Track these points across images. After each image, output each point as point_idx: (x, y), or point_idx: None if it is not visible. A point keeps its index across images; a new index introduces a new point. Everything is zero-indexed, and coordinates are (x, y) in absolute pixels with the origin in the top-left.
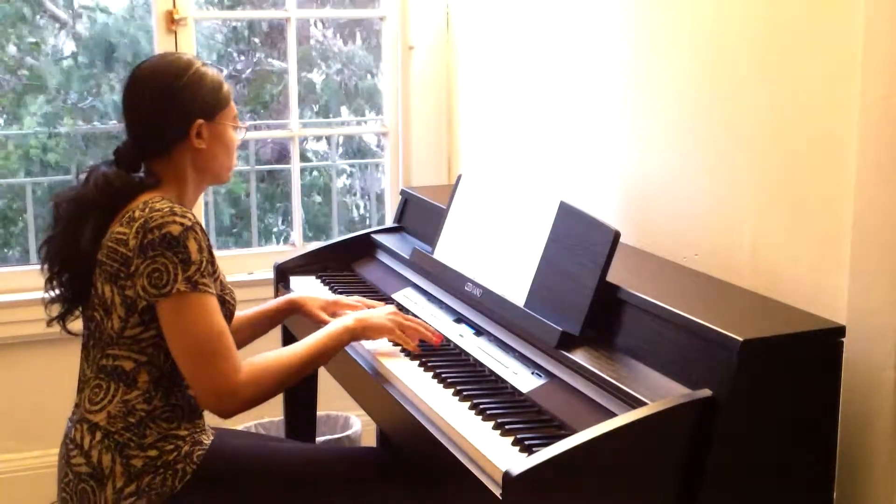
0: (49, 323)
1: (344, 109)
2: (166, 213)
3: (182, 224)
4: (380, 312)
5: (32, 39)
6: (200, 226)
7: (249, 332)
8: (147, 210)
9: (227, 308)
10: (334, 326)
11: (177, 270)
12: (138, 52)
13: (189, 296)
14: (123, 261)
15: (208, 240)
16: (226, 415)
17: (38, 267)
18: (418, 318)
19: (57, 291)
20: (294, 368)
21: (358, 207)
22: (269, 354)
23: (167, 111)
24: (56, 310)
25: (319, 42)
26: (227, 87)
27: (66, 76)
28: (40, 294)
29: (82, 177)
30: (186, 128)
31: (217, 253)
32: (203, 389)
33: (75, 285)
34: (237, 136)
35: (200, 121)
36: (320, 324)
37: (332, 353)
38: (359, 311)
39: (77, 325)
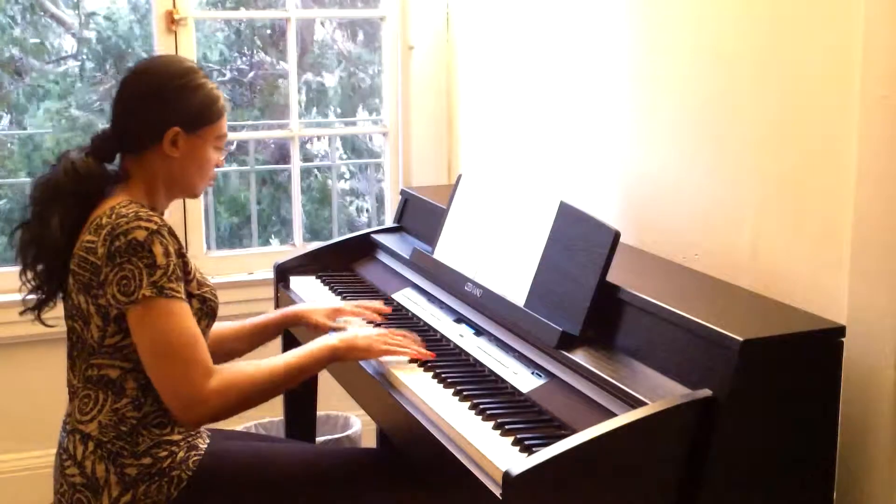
0: (23, 313)
1: (345, 109)
2: (132, 218)
3: (147, 228)
4: (367, 332)
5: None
6: (169, 228)
7: (248, 344)
8: (114, 216)
9: (209, 305)
10: (318, 345)
11: (142, 276)
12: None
13: (156, 301)
14: (94, 270)
15: (178, 242)
16: (192, 423)
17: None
18: (418, 318)
19: (31, 281)
20: (271, 383)
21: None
22: (245, 365)
23: (149, 109)
24: (32, 301)
25: (323, 42)
26: (221, 105)
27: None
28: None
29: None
30: (162, 131)
31: (217, 253)
32: (169, 396)
33: (49, 275)
34: (217, 157)
35: (177, 129)
36: (325, 332)
37: (313, 372)
38: (345, 331)
39: (51, 316)
